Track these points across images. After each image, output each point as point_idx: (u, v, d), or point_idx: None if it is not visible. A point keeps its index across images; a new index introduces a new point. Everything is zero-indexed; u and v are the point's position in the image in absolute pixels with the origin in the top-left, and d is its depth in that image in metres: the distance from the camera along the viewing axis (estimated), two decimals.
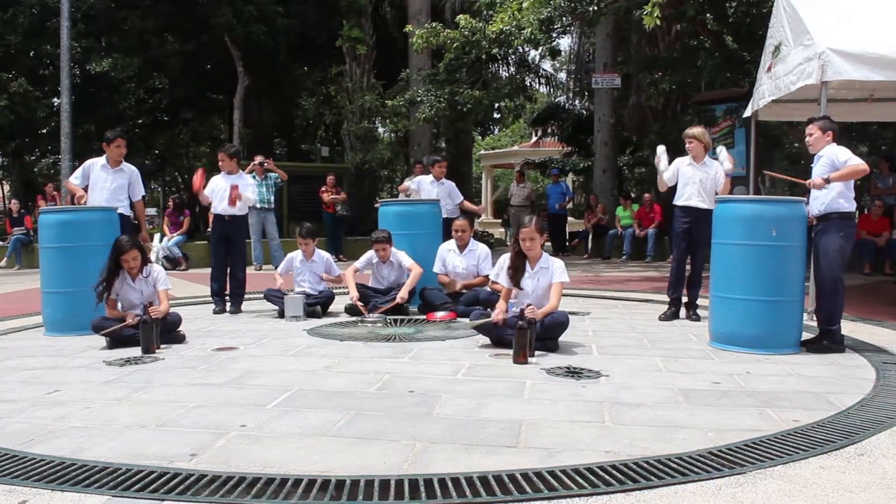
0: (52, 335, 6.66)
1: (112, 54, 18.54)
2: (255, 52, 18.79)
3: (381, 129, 20.94)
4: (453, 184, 9.61)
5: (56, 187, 16.98)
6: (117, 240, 6.17)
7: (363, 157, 17.91)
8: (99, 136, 11.91)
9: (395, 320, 7.10)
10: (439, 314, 7.23)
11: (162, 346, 5.82)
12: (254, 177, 13.02)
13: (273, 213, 13.58)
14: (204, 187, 8.01)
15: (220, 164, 8.11)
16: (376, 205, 8.74)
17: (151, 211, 26.34)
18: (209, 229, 8.78)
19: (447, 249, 7.88)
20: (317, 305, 7.60)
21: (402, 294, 7.42)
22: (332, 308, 7.89)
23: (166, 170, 27.29)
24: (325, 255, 8.13)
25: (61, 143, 14.72)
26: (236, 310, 8.01)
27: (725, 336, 5.61)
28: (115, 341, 5.90)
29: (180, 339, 6.13)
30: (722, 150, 7.09)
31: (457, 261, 7.78)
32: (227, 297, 8.10)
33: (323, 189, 15.36)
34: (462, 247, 7.82)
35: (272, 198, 13.55)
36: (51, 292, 6.80)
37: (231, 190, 7.85)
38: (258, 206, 13.09)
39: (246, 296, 8.28)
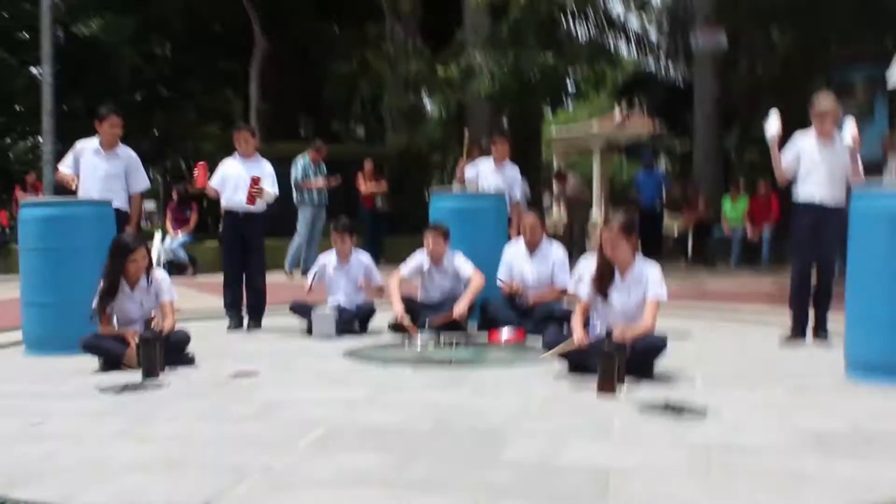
0: (33, 355, 6.77)
1: (103, 13, 18.76)
2: (276, 8, 18.84)
3: (429, 105, 20.94)
4: (517, 169, 9.64)
5: (38, 176, 17.28)
6: (119, 238, 6.29)
7: (408, 139, 17.91)
8: (88, 114, 12.08)
9: (451, 341, 7.11)
10: (505, 333, 7.22)
11: (167, 369, 5.86)
12: (307, 165, 13.36)
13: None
14: (209, 178, 8.13)
15: (238, 145, 8.20)
16: (429, 193, 8.81)
17: (149, 205, 26.61)
18: (220, 227, 8.91)
19: (514, 252, 7.89)
20: (354, 321, 7.67)
21: (460, 308, 7.43)
22: (372, 325, 7.93)
23: (168, 155, 27.67)
24: (365, 257, 8.21)
25: (43, 123, 14.80)
26: (255, 326, 8.12)
27: (867, 365, 5.50)
28: (111, 363, 5.98)
29: (188, 361, 6.19)
30: (848, 124, 6.77)
31: (526, 267, 7.78)
32: (244, 311, 8.21)
33: (359, 178, 15.43)
34: (532, 248, 7.82)
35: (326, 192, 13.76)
36: (32, 303, 6.89)
37: (251, 184, 7.94)
38: (315, 202, 13.37)
39: (268, 308, 8.37)
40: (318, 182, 13.46)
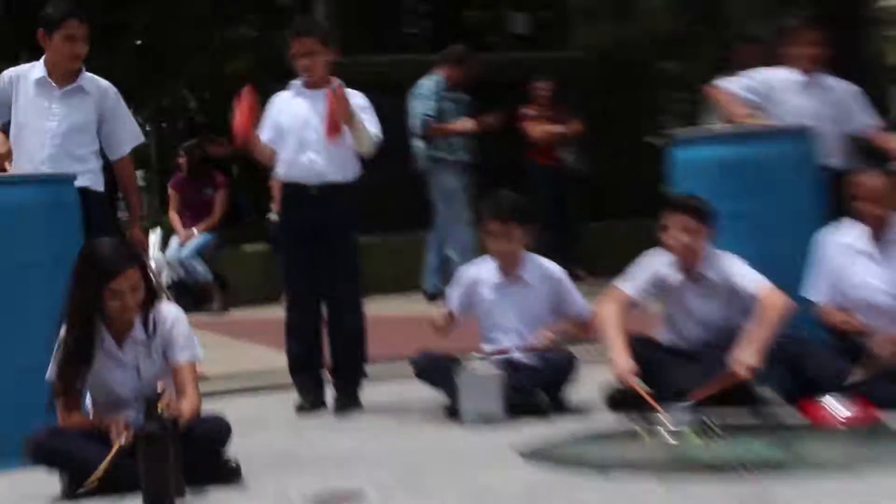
0: None
1: None
2: None
3: None
4: (852, 88, 9.47)
5: None
6: (90, 249, 6.28)
7: (612, 36, 17.82)
8: (24, 21, 12.22)
9: (732, 426, 6.99)
10: (838, 407, 7.07)
11: (190, 491, 5.88)
12: (440, 92, 13.63)
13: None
14: (255, 124, 8.23)
15: (298, 63, 8.29)
16: (658, 142, 8.75)
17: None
18: (270, 214, 8.92)
19: (844, 247, 7.80)
20: (535, 389, 7.66)
21: (746, 359, 7.28)
22: (572, 394, 7.93)
23: (164, 87, 27.98)
24: (551, 267, 8.24)
25: None
26: (349, 403, 8.21)
27: None
28: (79, 481, 5.97)
29: (229, 473, 6.20)
30: None
31: (872, 275, 7.66)
32: (323, 375, 8.36)
33: (526, 112, 15.51)
34: (880, 239, 7.72)
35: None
36: None
37: (329, 102, 8.02)
38: (455, 156, 13.75)
39: (372, 367, 8.54)
40: (463, 123, 13.62)
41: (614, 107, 17.78)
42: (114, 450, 5.87)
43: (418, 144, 13.73)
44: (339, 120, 8.02)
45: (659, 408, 7.17)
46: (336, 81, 8.24)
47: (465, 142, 13.86)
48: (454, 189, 13.63)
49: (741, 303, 7.67)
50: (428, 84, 13.81)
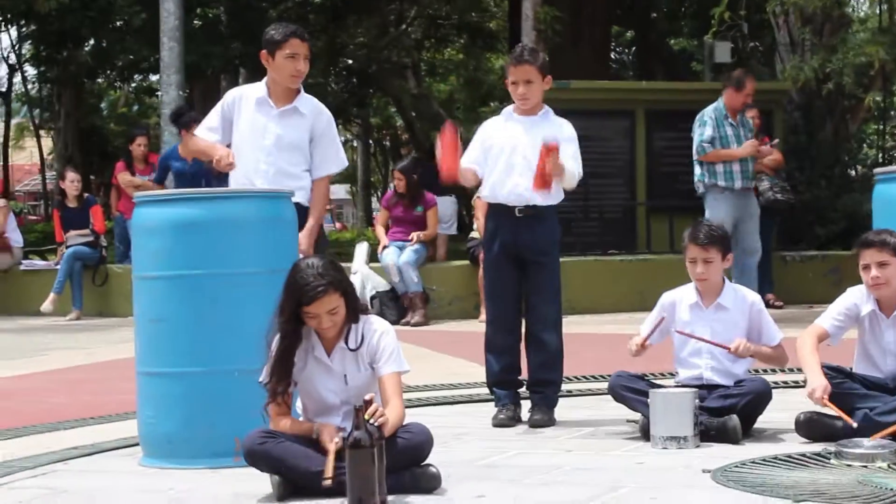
0: (155, 465, 6.98)
1: None
2: None
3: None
4: None
5: (149, 142, 17.75)
6: (294, 269, 6.30)
7: (821, 63, 17.52)
8: (237, 33, 12.24)
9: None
10: None
11: (391, 497, 5.92)
12: (719, 119, 14.09)
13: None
14: (459, 158, 8.25)
15: (514, 89, 8.25)
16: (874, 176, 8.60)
17: (340, 192, 26.98)
18: (472, 235, 8.85)
19: None
20: (730, 413, 7.52)
21: None
22: (769, 415, 7.81)
23: (370, 101, 27.91)
24: (749, 294, 8.14)
25: (162, 51, 15.45)
26: (542, 419, 8.16)
27: None
28: (290, 486, 6.11)
29: (430, 482, 6.20)
30: None
31: None
32: (519, 390, 8.36)
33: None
34: None
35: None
36: (155, 375, 7.10)
37: (543, 152, 7.91)
38: (727, 182, 14.03)
39: (570, 386, 8.65)
40: (730, 152, 14.11)
41: (814, 139, 17.58)
42: (332, 454, 5.89)
43: (697, 169, 14.21)
44: (549, 176, 7.92)
45: (851, 422, 7.06)
46: (551, 137, 7.99)
47: (744, 168, 14.10)
48: (724, 215, 13.66)
49: None
50: (708, 110, 14.23)
